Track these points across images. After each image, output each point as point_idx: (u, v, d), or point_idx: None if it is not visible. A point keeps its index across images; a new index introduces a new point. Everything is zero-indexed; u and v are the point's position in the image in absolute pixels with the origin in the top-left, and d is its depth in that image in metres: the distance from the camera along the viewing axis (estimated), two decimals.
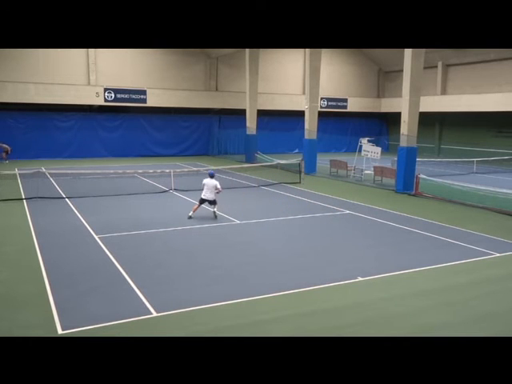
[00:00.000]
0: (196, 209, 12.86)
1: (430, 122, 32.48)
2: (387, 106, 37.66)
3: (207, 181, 12.84)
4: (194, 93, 32.23)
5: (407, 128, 18.12)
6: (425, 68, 19.10)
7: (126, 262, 9.23)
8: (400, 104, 18.79)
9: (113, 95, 29.65)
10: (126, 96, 30.03)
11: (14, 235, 11.23)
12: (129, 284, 8.06)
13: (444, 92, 34.19)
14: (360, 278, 8.49)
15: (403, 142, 18.39)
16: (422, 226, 12.64)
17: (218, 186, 12.77)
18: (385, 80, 39.89)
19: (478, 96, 30.45)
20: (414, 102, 18.04)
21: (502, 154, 28.63)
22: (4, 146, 27.08)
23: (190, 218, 12.66)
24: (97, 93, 29.26)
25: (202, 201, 12.91)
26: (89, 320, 6.60)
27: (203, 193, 12.80)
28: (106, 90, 29.44)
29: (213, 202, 12.91)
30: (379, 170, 20.97)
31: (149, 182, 19.80)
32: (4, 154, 27.20)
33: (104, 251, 9.92)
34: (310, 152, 24.03)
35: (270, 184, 19.81)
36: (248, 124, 29.02)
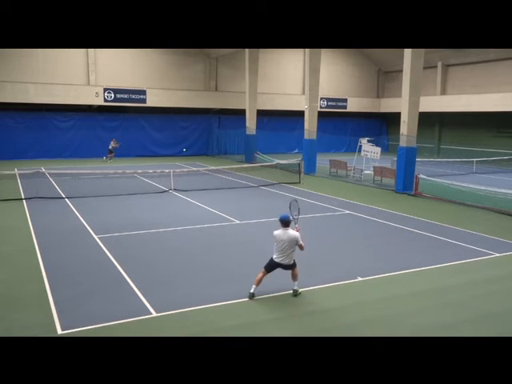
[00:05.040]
0: (261, 279, 7.65)
1: (429, 122, 32.47)
2: (387, 106, 37.65)
3: (280, 233, 7.59)
4: (194, 93, 32.22)
5: (407, 128, 18.12)
6: (424, 68, 19.10)
7: (125, 262, 9.22)
8: (400, 104, 18.79)
9: (112, 95, 29.64)
10: (126, 96, 30.01)
11: (13, 235, 11.22)
12: (128, 284, 8.05)
13: (444, 92, 34.18)
14: (360, 278, 8.49)
15: (403, 142, 18.39)
16: (421, 225, 12.64)
17: (300, 241, 7.62)
18: (384, 80, 39.88)
19: (478, 96, 30.45)
20: (414, 102, 18.04)
21: (502, 154, 28.62)
22: (114, 145, 28.46)
23: (253, 295, 7.55)
24: (96, 93, 29.24)
25: (273, 265, 7.68)
26: (88, 320, 6.59)
27: (275, 253, 7.64)
28: (105, 90, 29.42)
29: (290, 267, 7.71)
30: (379, 170, 20.97)
31: (148, 182, 19.80)
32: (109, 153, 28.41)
33: (104, 251, 9.91)
34: (310, 152, 24.02)
35: (270, 184, 19.81)
36: (248, 124, 29.02)
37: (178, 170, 20.07)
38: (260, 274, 7.63)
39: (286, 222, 7.59)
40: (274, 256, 7.62)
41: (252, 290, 7.55)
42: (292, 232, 7.55)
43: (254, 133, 28.99)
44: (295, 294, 7.69)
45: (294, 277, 7.74)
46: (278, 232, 7.61)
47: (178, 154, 31.98)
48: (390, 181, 19.99)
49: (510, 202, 14.51)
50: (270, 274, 8.47)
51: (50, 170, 20.76)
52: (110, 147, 28.45)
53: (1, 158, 27.12)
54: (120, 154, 30.75)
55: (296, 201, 8.35)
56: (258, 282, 7.58)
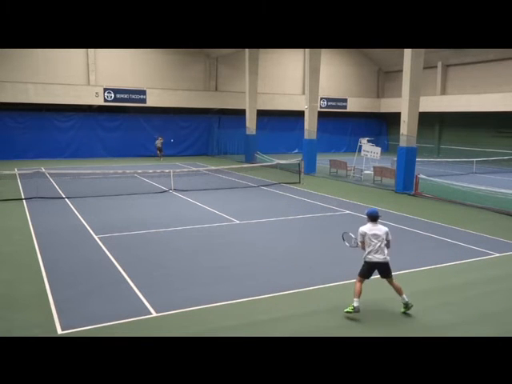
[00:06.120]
0: (360, 290, 6.98)
1: (429, 121, 32.48)
2: (387, 106, 37.65)
3: (373, 227, 6.99)
4: (194, 93, 32.23)
5: (407, 128, 18.12)
6: (424, 68, 19.10)
7: (125, 261, 9.22)
8: (400, 104, 18.79)
9: (112, 95, 29.65)
10: (126, 96, 30.02)
11: (13, 235, 11.22)
12: (129, 284, 8.05)
13: (444, 92, 34.19)
14: None
15: (403, 142, 18.39)
16: (422, 226, 12.64)
17: (390, 236, 7.05)
18: (384, 80, 39.88)
19: (478, 96, 30.46)
20: (414, 102, 18.04)
21: (502, 154, 28.62)
22: (159, 141, 29.57)
23: (355, 310, 6.88)
24: (96, 93, 29.24)
25: (372, 268, 7.02)
26: (88, 320, 6.59)
27: (371, 252, 6.92)
28: (105, 90, 29.42)
29: (387, 266, 7.02)
30: (379, 170, 20.97)
31: (148, 182, 19.80)
32: (158, 152, 29.53)
33: (104, 251, 9.91)
34: (310, 152, 24.03)
35: (270, 184, 19.81)
36: (248, 124, 29.02)
37: (177, 170, 20.07)
38: (358, 284, 6.97)
39: (375, 217, 7.00)
40: (370, 257, 6.89)
41: (356, 304, 6.85)
42: (382, 226, 7.04)
43: (253, 133, 28.99)
44: (407, 307, 6.99)
45: (398, 290, 7.04)
46: (369, 227, 6.94)
47: (178, 154, 31.98)
48: (390, 181, 19.99)
49: (510, 202, 14.51)
50: (267, 275, 8.46)
51: (49, 170, 20.76)
52: (160, 145, 29.45)
53: (1, 158, 27.12)
54: (120, 154, 30.81)
55: (346, 232, 7.68)
56: (359, 294, 6.91)
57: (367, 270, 7.00)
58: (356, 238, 7.24)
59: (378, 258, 6.89)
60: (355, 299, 6.90)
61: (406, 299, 7.02)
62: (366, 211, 7.30)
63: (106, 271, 8.71)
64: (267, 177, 21.47)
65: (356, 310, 6.86)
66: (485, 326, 6.74)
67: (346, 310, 6.91)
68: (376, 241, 6.88)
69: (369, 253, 6.92)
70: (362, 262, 7.04)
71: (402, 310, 7.05)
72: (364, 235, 6.95)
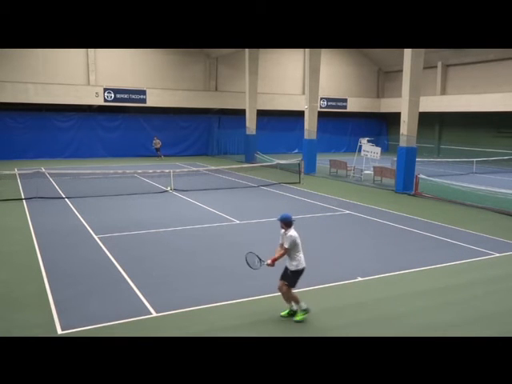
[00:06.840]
0: (295, 295, 6.86)
1: (429, 122, 32.47)
2: (387, 106, 37.65)
3: (296, 234, 6.74)
4: (194, 93, 32.23)
5: (407, 128, 18.12)
6: (424, 68, 19.10)
7: (125, 261, 9.22)
8: (400, 104, 18.79)
9: (112, 95, 29.64)
10: (126, 96, 30.02)
11: (13, 235, 11.22)
12: (128, 284, 8.05)
13: (444, 92, 34.19)
14: (360, 278, 8.49)
15: (403, 142, 18.39)
16: (421, 226, 12.64)
17: None
18: (384, 80, 39.88)
19: (478, 96, 30.46)
20: (414, 102, 18.05)
21: (502, 154, 28.61)
22: (157, 141, 29.95)
23: (307, 312, 6.80)
24: (96, 93, 29.24)
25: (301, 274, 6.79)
26: (88, 320, 6.59)
27: (302, 259, 6.76)
28: (105, 90, 29.42)
29: None
30: (379, 170, 20.97)
31: (148, 182, 19.80)
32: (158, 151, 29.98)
33: (104, 251, 9.91)
34: (310, 152, 24.04)
35: (270, 184, 19.81)
36: (247, 124, 29.01)
37: (177, 170, 20.07)
38: (292, 293, 6.78)
39: (292, 222, 6.72)
40: (303, 264, 6.67)
41: (305, 306, 6.73)
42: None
43: (253, 133, 28.98)
44: (291, 312, 6.88)
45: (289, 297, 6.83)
46: (295, 233, 6.63)
47: (178, 154, 31.98)
48: (390, 181, 19.99)
49: (510, 202, 14.51)
50: (267, 275, 8.44)
51: (49, 170, 20.76)
52: (159, 146, 29.83)
53: (1, 158, 27.12)
54: (120, 154, 30.80)
55: (250, 253, 7.08)
56: (298, 298, 6.77)
57: (299, 277, 6.73)
58: (258, 256, 6.91)
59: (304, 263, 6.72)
60: (301, 304, 6.70)
61: (295, 308, 6.81)
62: (280, 217, 6.76)
63: (106, 271, 8.71)
64: (267, 177, 21.47)
65: (308, 310, 6.72)
66: (485, 326, 6.74)
67: (297, 319, 6.70)
68: (300, 246, 6.69)
69: (303, 260, 6.69)
70: (290, 272, 6.69)
71: (286, 312, 6.88)
72: (295, 241, 6.59)
